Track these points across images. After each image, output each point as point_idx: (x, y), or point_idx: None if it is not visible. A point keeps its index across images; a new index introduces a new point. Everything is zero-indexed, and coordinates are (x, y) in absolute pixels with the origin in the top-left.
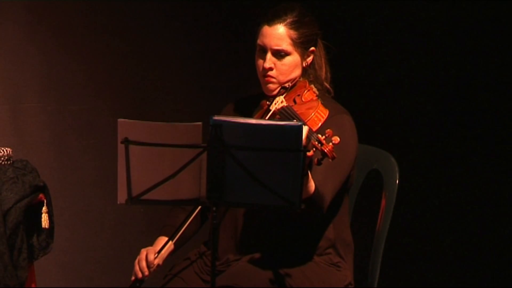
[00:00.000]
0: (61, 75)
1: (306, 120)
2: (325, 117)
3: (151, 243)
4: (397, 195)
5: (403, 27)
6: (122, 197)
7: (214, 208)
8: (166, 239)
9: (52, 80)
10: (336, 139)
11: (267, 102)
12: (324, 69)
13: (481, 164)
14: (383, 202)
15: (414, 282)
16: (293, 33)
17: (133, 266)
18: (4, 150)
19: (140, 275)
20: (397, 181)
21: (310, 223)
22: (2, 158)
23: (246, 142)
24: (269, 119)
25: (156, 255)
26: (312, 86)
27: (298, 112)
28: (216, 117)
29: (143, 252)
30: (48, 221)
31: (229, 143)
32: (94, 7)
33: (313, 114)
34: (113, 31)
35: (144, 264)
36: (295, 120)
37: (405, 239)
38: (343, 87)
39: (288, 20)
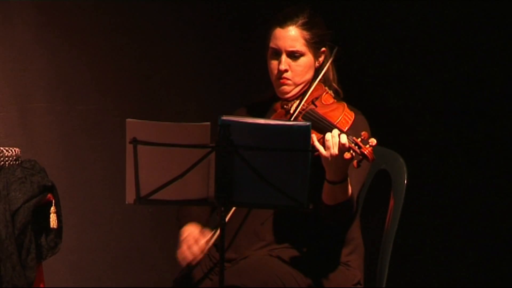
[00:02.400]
0: (69, 75)
1: (335, 123)
2: (352, 119)
3: (159, 243)
4: (405, 195)
5: (412, 25)
6: (130, 197)
7: (222, 208)
8: (191, 228)
9: (60, 80)
10: (373, 141)
11: (285, 106)
12: (331, 71)
13: (489, 164)
14: (391, 202)
15: (422, 282)
16: (306, 34)
17: (140, 265)
18: (13, 150)
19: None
20: (405, 182)
21: (322, 222)
22: (11, 158)
23: (255, 142)
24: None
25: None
26: (327, 88)
27: (322, 114)
28: (224, 117)
29: (190, 239)
30: (56, 221)
31: (237, 143)
32: (102, 7)
33: (341, 117)
34: (121, 31)
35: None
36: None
37: (414, 239)
38: (351, 87)
39: (300, 21)
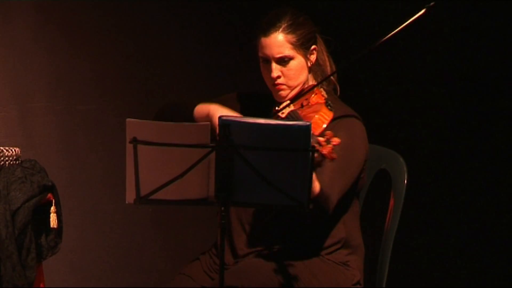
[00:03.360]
0: (69, 75)
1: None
2: (329, 119)
3: (159, 243)
4: (405, 195)
5: (413, 26)
6: (130, 197)
7: (222, 208)
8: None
9: (60, 79)
10: (336, 140)
11: (276, 107)
12: (328, 63)
13: (489, 164)
14: (391, 202)
15: (422, 282)
16: (291, 37)
17: (140, 265)
18: (13, 150)
19: None
20: (405, 181)
21: (320, 222)
22: (11, 158)
23: (254, 142)
24: None
25: None
26: (321, 90)
27: (301, 115)
28: (224, 117)
29: None
30: (56, 220)
31: (237, 143)
32: (102, 7)
33: (316, 116)
34: (121, 31)
35: None
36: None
37: (413, 239)
38: (351, 86)
39: (283, 26)
